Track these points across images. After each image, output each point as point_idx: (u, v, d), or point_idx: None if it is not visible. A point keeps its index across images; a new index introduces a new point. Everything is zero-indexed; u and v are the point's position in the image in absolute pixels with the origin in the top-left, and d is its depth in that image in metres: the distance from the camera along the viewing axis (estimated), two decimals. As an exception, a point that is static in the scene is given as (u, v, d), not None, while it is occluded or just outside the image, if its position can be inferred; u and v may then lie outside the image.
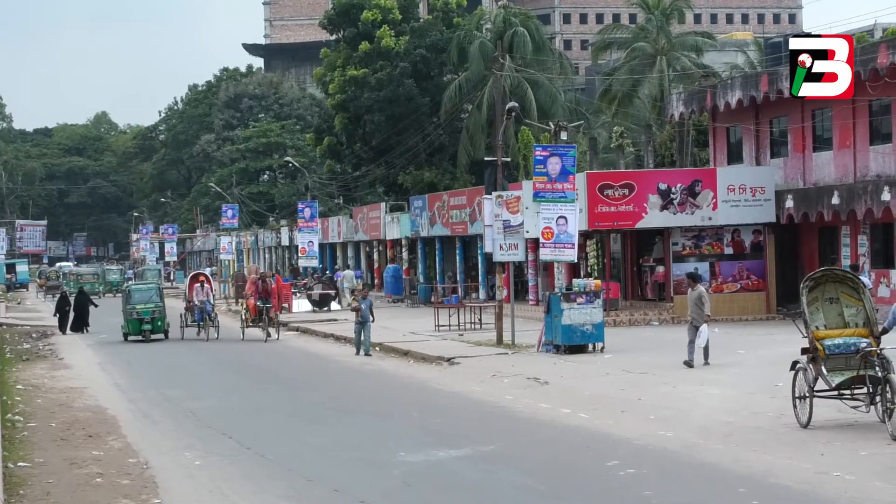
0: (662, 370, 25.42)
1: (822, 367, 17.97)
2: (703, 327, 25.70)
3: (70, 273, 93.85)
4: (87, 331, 45.20)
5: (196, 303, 42.19)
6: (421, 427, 19.79)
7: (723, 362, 26.08)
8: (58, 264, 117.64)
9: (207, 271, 54.57)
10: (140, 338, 40.65)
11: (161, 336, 41.49)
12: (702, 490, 14.33)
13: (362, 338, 33.32)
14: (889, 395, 16.99)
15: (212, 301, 42.67)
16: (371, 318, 33.35)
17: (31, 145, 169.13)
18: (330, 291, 55.43)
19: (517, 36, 61.19)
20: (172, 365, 32.94)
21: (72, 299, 47.29)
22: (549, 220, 32.03)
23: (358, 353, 33.35)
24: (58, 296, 50.39)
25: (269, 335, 40.12)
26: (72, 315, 45.82)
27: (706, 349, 25.94)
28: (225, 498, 14.75)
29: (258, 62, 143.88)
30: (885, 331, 18.07)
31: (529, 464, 16.18)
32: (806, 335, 18.35)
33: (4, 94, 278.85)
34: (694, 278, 27.85)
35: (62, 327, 45.31)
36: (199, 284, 42.72)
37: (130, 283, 43.96)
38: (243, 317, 42.14)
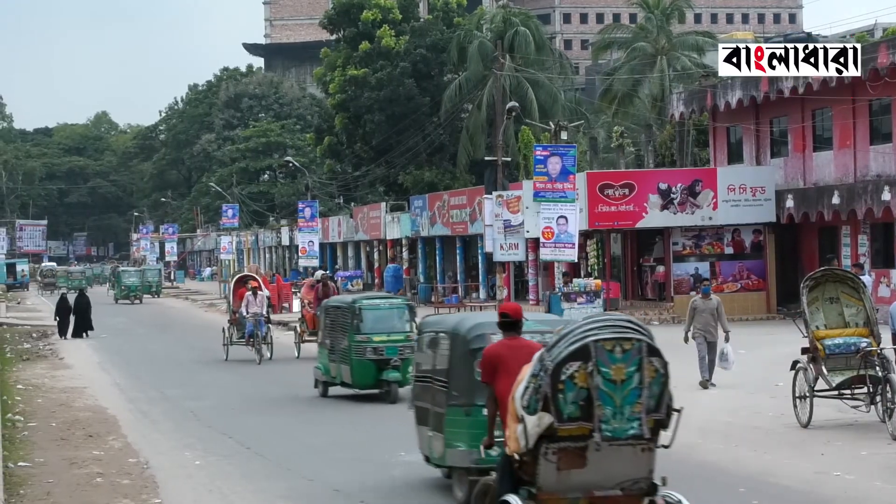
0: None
1: (823, 367, 17.98)
2: (728, 346, 22.93)
3: (55, 271, 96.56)
4: (87, 335, 42.80)
5: (247, 315, 31.81)
6: (421, 427, 19.75)
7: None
8: (43, 264, 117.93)
9: (207, 271, 52.98)
10: (374, 390, 23.58)
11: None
12: (701, 490, 14.30)
13: None
14: (889, 395, 17.00)
15: (265, 313, 32.25)
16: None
17: (31, 145, 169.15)
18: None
19: (517, 36, 61.19)
20: (171, 364, 32.87)
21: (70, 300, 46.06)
22: (550, 220, 32.08)
23: None
24: (56, 294, 49.03)
25: None
26: (73, 319, 43.34)
27: (712, 365, 23.28)
28: (224, 498, 14.74)
29: (258, 62, 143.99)
30: None
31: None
32: (806, 335, 18.35)
33: (4, 94, 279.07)
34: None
35: (62, 331, 43.06)
36: (249, 291, 32.53)
37: (359, 298, 24.85)
38: (298, 329, 33.47)
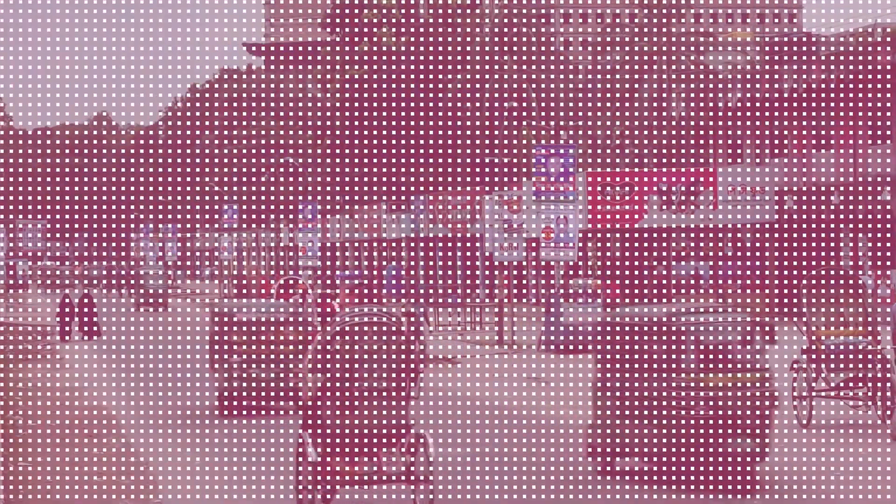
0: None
1: (823, 367, 17.97)
2: None
3: (56, 270, 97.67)
4: (93, 338, 41.30)
5: None
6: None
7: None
8: (40, 262, 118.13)
9: (207, 271, 51.43)
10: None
11: None
12: (701, 489, 14.29)
13: None
14: (889, 395, 16.99)
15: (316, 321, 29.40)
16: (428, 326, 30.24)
17: (31, 145, 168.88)
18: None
19: (518, 35, 61.17)
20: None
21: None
22: (550, 220, 32.07)
23: None
24: (58, 293, 47.72)
25: None
26: (76, 321, 42.07)
27: None
28: (225, 498, 14.72)
29: (259, 62, 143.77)
30: None
31: (529, 463, 16.16)
32: (806, 335, 18.34)
33: (4, 94, 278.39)
34: None
35: (64, 334, 41.72)
36: (297, 297, 29.59)
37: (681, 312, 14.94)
38: None
